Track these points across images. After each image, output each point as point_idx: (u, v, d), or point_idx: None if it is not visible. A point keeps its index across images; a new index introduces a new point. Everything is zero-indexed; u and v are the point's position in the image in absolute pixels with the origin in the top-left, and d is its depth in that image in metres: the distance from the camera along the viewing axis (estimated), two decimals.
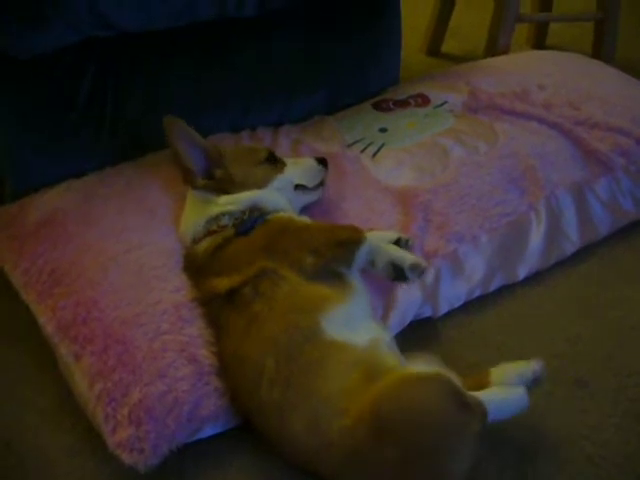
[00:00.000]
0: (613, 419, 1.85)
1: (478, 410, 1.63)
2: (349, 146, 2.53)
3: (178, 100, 2.52)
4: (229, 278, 1.84)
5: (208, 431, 1.81)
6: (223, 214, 2.00)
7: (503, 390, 1.73)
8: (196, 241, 2.00)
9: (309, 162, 2.23)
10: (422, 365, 1.79)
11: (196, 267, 1.97)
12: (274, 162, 2.16)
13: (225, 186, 2.06)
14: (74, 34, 2.18)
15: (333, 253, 1.88)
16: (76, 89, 2.37)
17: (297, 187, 2.18)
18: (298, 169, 2.19)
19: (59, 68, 2.33)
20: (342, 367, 1.68)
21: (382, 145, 2.51)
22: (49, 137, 2.38)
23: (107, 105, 2.43)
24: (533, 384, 1.79)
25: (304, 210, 2.19)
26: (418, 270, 1.97)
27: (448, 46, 3.96)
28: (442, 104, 2.73)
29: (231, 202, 2.03)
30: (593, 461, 1.75)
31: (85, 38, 2.23)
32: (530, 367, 1.80)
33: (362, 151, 2.49)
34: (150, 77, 2.48)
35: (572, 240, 2.36)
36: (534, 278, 2.30)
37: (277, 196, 2.09)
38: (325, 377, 1.66)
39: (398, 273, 1.96)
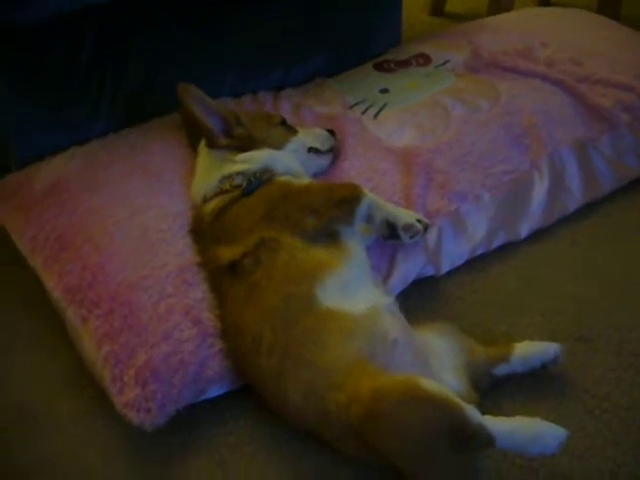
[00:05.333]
0: (615, 373, 1.87)
1: (481, 442, 1.54)
2: (351, 107, 2.53)
3: (177, 67, 2.52)
4: (230, 249, 1.85)
5: (213, 392, 1.84)
6: (237, 173, 2.03)
7: (535, 424, 1.59)
8: (206, 200, 2.02)
9: (319, 130, 2.29)
10: (435, 338, 1.84)
11: (201, 229, 1.99)
12: (288, 127, 2.23)
13: (245, 144, 2.10)
14: (71, 1, 2.17)
15: (334, 212, 1.88)
16: (76, 57, 2.38)
17: (310, 150, 2.23)
18: (310, 134, 2.25)
19: (58, 37, 2.33)
20: (338, 337, 1.67)
21: (384, 106, 2.50)
22: (51, 106, 2.38)
23: (107, 73, 2.43)
24: (552, 364, 1.84)
25: (314, 177, 2.20)
26: (411, 231, 1.99)
27: (451, 5, 3.94)
28: (444, 63, 2.72)
29: (248, 159, 2.06)
30: (594, 414, 1.77)
31: (83, 6, 2.22)
32: (552, 348, 1.84)
33: (364, 112, 2.49)
34: (149, 44, 2.48)
35: (575, 197, 2.37)
36: (537, 236, 2.30)
37: (292, 159, 2.13)
38: (321, 347, 1.66)
39: (391, 232, 1.99)
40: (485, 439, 1.53)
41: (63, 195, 2.18)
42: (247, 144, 2.10)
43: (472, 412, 1.53)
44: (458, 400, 1.53)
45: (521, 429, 1.56)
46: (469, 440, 1.52)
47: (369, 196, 1.95)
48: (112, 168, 2.25)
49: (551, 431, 1.57)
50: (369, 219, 1.97)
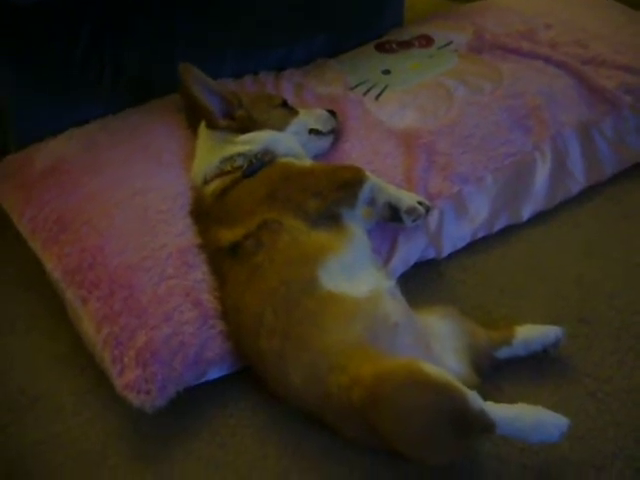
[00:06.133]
0: (616, 356, 1.87)
1: (482, 428, 1.54)
2: (352, 89, 2.51)
3: (178, 48, 2.50)
4: (232, 231, 1.84)
5: (214, 373, 1.84)
6: (238, 154, 2.02)
7: (537, 412, 1.58)
8: (207, 181, 2.01)
9: (320, 111, 2.28)
10: (437, 321, 1.83)
11: (202, 210, 1.98)
12: (289, 108, 2.22)
13: (246, 125, 2.09)
14: None
15: (336, 194, 1.88)
16: (76, 38, 2.36)
17: (311, 132, 2.22)
18: (311, 115, 2.24)
19: (59, 17, 2.31)
20: (340, 321, 1.66)
21: (385, 87, 2.49)
22: (51, 87, 2.37)
23: (107, 54, 2.41)
24: (553, 348, 1.84)
25: (314, 158, 2.19)
26: (414, 214, 1.98)
27: None
28: (446, 44, 2.71)
29: (249, 140, 2.05)
30: (596, 396, 1.77)
31: None
32: (554, 331, 1.84)
33: (365, 93, 2.47)
34: (149, 25, 2.46)
35: (578, 179, 2.35)
36: (539, 218, 2.29)
37: (293, 140, 2.12)
38: (322, 330, 1.65)
39: (394, 215, 1.98)
40: (486, 425, 1.53)
41: (63, 176, 2.16)
42: (248, 125, 2.09)
43: (473, 398, 1.52)
44: (460, 385, 1.53)
45: (523, 417, 1.55)
46: (470, 425, 1.52)
47: (372, 179, 1.94)
48: (112, 149, 2.23)
49: (553, 420, 1.56)
50: (371, 202, 1.96)
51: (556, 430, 1.55)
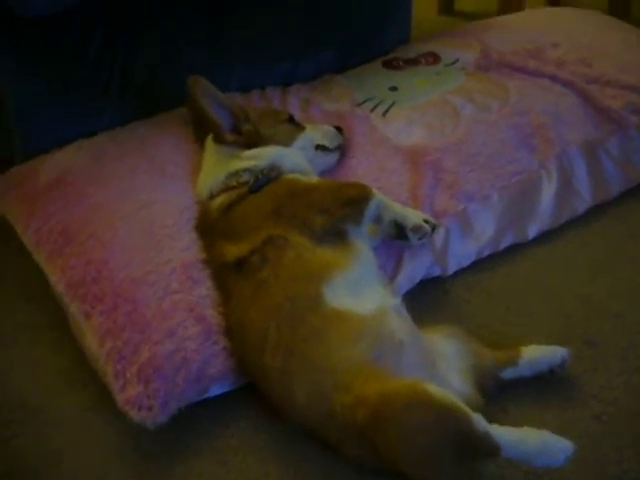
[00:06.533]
0: (622, 377, 1.85)
1: (486, 451, 1.52)
2: (359, 105, 2.52)
3: (186, 61, 2.51)
4: (237, 247, 1.84)
5: (216, 390, 1.82)
6: (245, 170, 2.01)
7: (543, 436, 1.56)
8: (213, 196, 2.01)
9: (327, 127, 2.28)
10: (442, 340, 1.82)
11: (207, 225, 1.98)
12: (295, 124, 2.22)
13: (253, 141, 2.08)
14: None
15: (342, 212, 1.87)
16: (85, 49, 2.37)
17: (318, 148, 2.22)
18: (318, 131, 2.24)
19: (68, 27, 2.32)
20: (345, 338, 1.65)
21: (392, 104, 2.49)
22: (58, 97, 2.37)
23: (116, 64, 2.42)
24: (559, 369, 1.82)
25: (321, 174, 2.18)
26: (420, 233, 1.98)
27: (461, 4, 3.92)
28: (453, 62, 2.71)
29: (256, 156, 2.04)
30: (601, 419, 1.75)
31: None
32: (560, 352, 1.82)
33: (372, 110, 2.47)
34: (159, 37, 2.47)
35: (584, 198, 2.35)
36: (545, 237, 2.28)
37: (299, 156, 2.12)
38: (327, 347, 1.64)
39: (400, 232, 1.98)
40: (490, 448, 1.51)
41: (68, 188, 2.16)
42: (255, 140, 2.09)
43: (478, 420, 1.51)
44: (464, 407, 1.52)
45: (528, 440, 1.54)
46: (474, 448, 1.51)
47: (378, 196, 1.94)
48: (119, 162, 2.23)
49: (559, 444, 1.55)
50: (377, 219, 1.95)
51: (561, 454, 1.53)
